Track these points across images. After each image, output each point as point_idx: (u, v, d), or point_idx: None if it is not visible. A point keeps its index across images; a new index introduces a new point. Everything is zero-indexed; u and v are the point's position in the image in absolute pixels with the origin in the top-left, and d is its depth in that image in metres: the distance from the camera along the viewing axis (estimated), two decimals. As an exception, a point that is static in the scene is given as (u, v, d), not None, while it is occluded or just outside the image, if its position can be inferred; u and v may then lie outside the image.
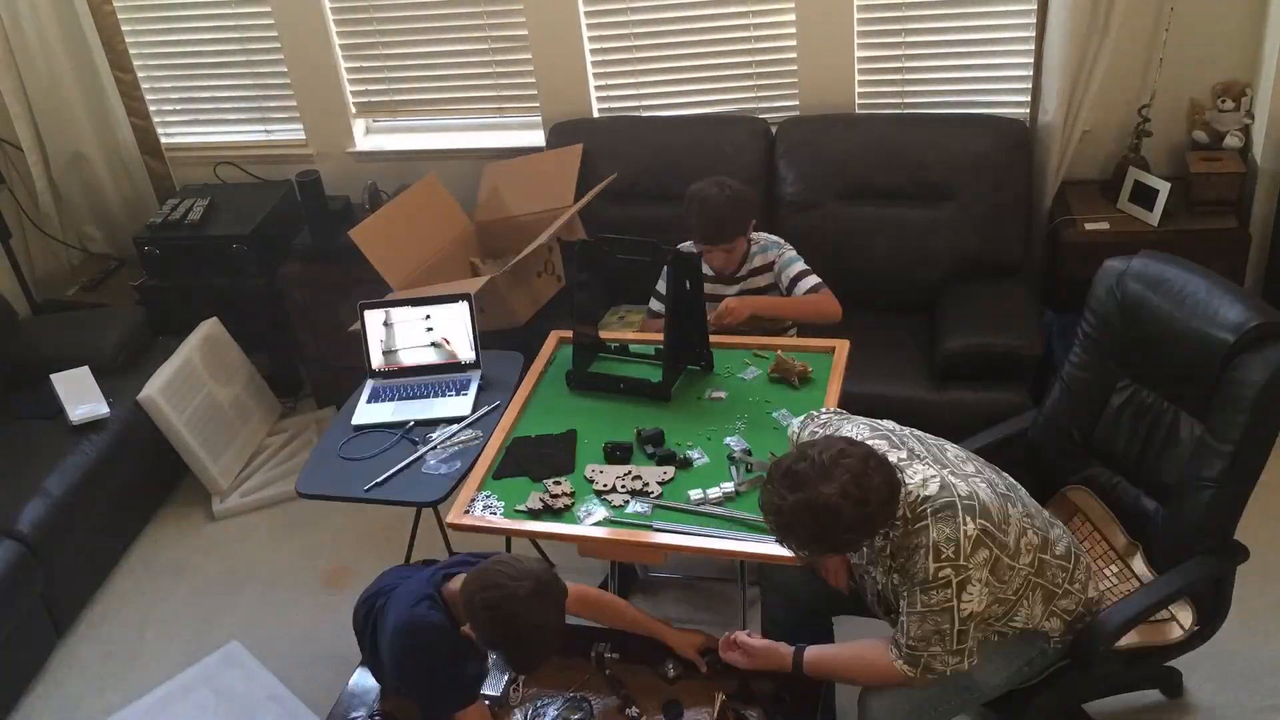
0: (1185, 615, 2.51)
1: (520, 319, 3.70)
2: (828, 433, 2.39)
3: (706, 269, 3.30)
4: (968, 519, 2.20)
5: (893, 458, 2.28)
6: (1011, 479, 2.44)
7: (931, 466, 2.29)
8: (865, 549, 2.39)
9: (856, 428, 2.42)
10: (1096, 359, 2.69)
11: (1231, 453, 2.39)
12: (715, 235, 3.22)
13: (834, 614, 2.76)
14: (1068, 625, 2.42)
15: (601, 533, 2.64)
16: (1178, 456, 2.51)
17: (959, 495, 2.22)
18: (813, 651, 2.43)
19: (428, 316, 3.34)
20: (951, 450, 2.40)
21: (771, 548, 2.51)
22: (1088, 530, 2.66)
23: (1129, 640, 2.48)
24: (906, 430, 2.42)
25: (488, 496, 2.77)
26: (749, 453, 2.75)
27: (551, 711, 2.49)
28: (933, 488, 2.23)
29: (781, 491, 2.16)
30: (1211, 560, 2.48)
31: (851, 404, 2.94)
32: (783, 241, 3.38)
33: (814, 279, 3.29)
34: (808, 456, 2.17)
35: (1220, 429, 2.41)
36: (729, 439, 2.84)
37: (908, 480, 2.24)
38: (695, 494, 2.67)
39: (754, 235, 3.36)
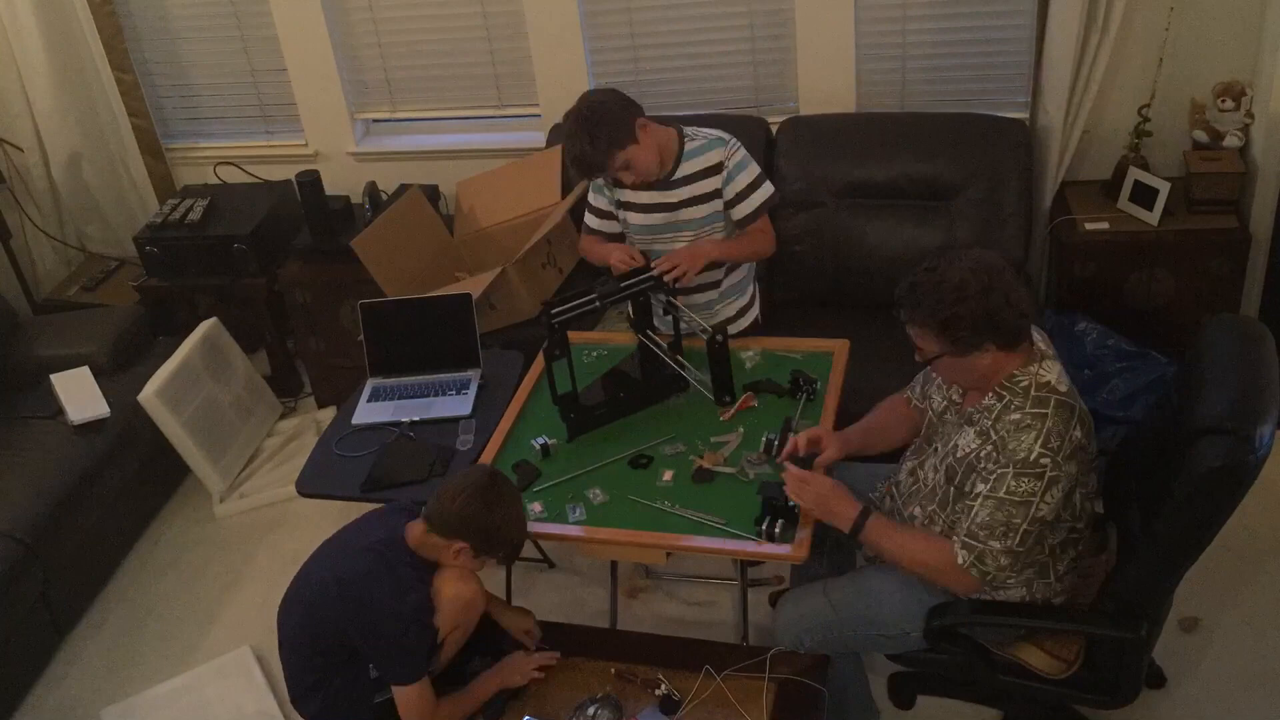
0: (1075, 663, 2.48)
1: (532, 311, 3.71)
2: None
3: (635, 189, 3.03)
4: (1079, 428, 2.23)
5: (1047, 367, 2.29)
6: None
7: (1065, 373, 2.29)
8: (957, 404, 2.40)
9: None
10: (1171, 407, 2.48)
11: (1161, 531, 2.25)
12: (586, 168, 2.90)
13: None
14: None
15: (602, 533, 2.64)
16: (1151, 519, 2.36)
17: (1079, 406, 2.25)
18: (877, 524, 2.41)
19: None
20: None
21: (770, 548, 2.52)
22: (1102, 570, 2.57)
23: (1011, 650, 2.49)
24: None
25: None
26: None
27: (590, 712, 2.49)
28: (1063, 386, 2.25)
29: (915, 271, 2.25)
30: (1103, 620, 2.38)
31: (851, 403, 2.95)
32: (728, 137, 3.03)
33: (760, 195, 3.02)
34: (946, 257, 2.26)
35: (1169, 505, 2.23)
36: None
37: (1044, 369, 2.26)
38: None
39: (689, 131, 3.03)
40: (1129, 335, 3.57)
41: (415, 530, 2.48)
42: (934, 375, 2.56)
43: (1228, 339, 2.38)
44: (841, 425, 2.81)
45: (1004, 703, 2.89)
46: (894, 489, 2.59)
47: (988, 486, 2.26)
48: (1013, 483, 2.22)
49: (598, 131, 2.85)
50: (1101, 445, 2.87)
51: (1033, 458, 2.20)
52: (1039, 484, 2.21)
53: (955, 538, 2.32)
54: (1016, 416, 2.24)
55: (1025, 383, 2.26)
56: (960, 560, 2.29)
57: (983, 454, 2.29)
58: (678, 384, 3.01)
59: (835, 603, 2.53)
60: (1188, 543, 2.25)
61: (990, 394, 2.30)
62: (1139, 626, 2.33)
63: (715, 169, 3.01)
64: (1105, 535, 2.64)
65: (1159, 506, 2.26)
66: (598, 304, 2.88)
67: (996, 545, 2.26)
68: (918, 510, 2.48)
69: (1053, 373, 2.27)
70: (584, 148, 2.85)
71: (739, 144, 3.04)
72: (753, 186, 3.03)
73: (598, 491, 2.74)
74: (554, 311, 2.80)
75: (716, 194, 3.02)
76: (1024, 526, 2.24)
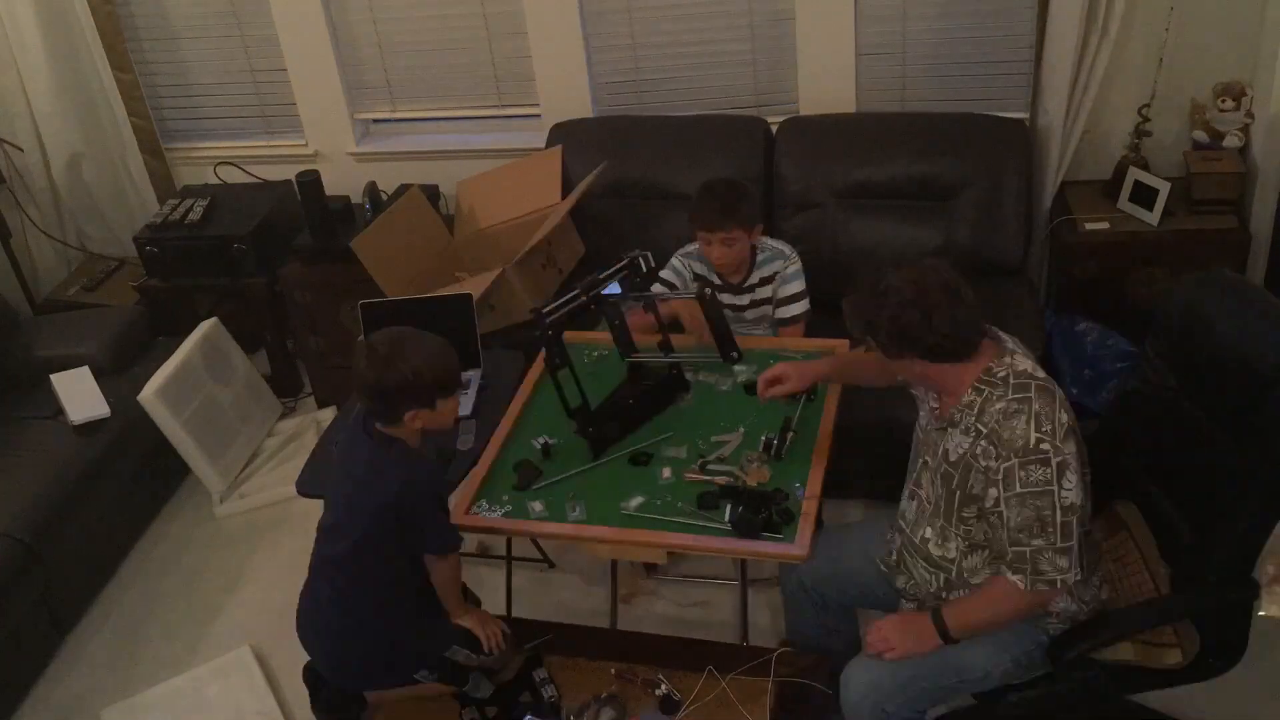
0: (1191, 643, 2.40)
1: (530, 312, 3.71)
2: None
3: (714, 275, 3.27)
4: (1064, 411, 2.19)
5: (1020, 359, 2.27)
6: None
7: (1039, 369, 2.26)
8: (935, 409, 2.36)
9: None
10: (1156, 374, 2.51)
11: (1252, 486, 2.23)
12: (715, 221, 3.12)
13: (859, 606, 2.73)
14: (1066, 620, 2.38)
15: (602, 532, 2.64)
16: (1213, 482, 2.34)
17: (1058, 391, 2.21)
18: (949, 610, 2.35)
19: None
20: None
21: (770, 547, 2.52)
22: (1130, 548, 2.53)
23: (1122, 654, 2.42)
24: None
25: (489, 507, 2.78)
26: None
27: (593, 712, 2.49)
28: (1039, 374, 2.23)
29: (859, 286, 2.25)
30: (1215, 591, 2.34)
31: (851, 404, 2.95)
32: (789, 252, 3.30)
33: (798, 307, 3.26)
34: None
35: (1249, 461, 2.23)
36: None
37: (1018, 359, 2.25)
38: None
39: (760, 242, 3.28)
40: (1129, 335, 3.57)
41: (382, 431, 2.47)
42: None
43: (1211, 294, 2.40)
44: (840, 427, 2.82)
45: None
46: (900, 522, 2.52)
47: (1002, 486, 2.20)
48: (1022, 473, 2.16)
49: (743, 203, 3.15)
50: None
51: (1032, 444, 2.16)
52: (1049, 470, 2.15)
53: (1004, 567, 2.25)
54: (1001, 405, 2.20)
55: (1002, 373, 2.23)
56: (1022, 586, 2.22)
57: (977, 451, 2.24)
58: (681, 384, 3.02)
59: (910, 660, 2.38)
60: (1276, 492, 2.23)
61: (969, 391, 2.26)
62: (1252, 584, 2.32)
63: (771, 279, 3.28)
64: (1116, 515, 2.59)
65: (1220, 463, 2.26)
66: (585, 299, 2.86)
67: (1040, 543, 2.18)
68: (929, 531, 2.41)
69: (1027, 363, 2.26)
70: (726, 200, 3.12)
71: (796, 256, 3.29)
72: (797, 297, 3.27)
73: (638, 499, 2.71)
74: (545, 312, 2.77)
75: (769, 300, 3.30)
76: (1059, 518, 2.17)
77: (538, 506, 2.72)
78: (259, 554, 3.83)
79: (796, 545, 2.50)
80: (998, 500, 2.22)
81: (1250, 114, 3.60)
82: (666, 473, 2.76)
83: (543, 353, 3.19)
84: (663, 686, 2.51)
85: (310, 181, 4.07)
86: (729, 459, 2.77)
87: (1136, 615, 2.43)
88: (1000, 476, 2.20)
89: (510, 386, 3.21)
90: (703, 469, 2.75)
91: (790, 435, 2.74)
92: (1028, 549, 2.20)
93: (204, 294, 4.31)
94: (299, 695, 3.24)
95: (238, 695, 3.25)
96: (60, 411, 3.77)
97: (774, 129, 3.93)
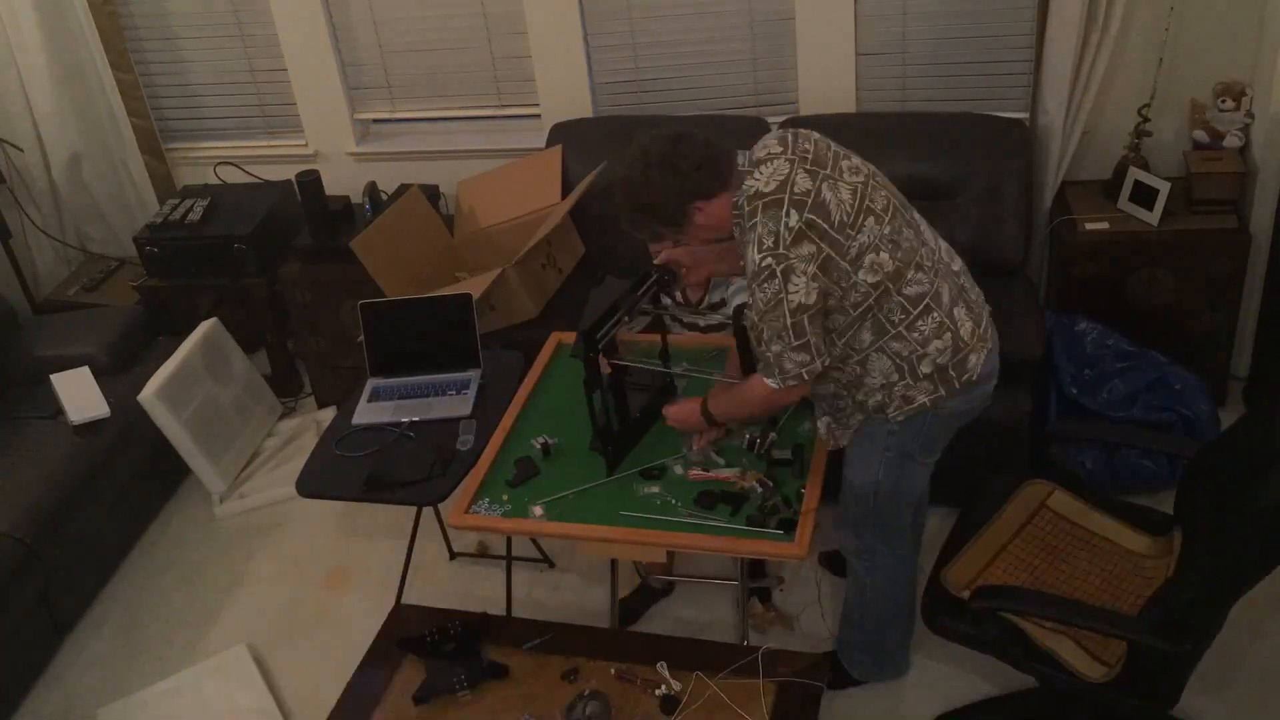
0: (1116, 667, 2.41)
1: (532, 311, 3.72)
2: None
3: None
4: (792, 212, 2.28)
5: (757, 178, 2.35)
6: (959, 259, 2.60)
7: (804, 174, 2.32)
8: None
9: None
10: (1259, 414, 2.46)
11: (1222, 551, 2.22)
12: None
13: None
14: (902, 399, 2.49)
15: (602, 532, 2.64)
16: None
17: (792, 191, 2.30)
18: (713, 399, 2.64)
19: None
20: (926, 229, 2.50)
21: (771, 545, 2.52)
22: (1164, 573, 2.49)
23: (1061, 647, 2.44)
24: (877, 181, 2.42)
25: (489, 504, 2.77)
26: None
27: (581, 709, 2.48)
28: (772, 185, 2.31)
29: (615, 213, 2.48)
30: (1145, 623, 2.35)
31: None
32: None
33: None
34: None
35: (1237, 527, 2.22)
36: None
37: (754, 179, 2.34)
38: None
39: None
40: (1129, 335, 3.57)
41: None
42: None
43: None
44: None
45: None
46: None
47: (752, 307, 2.37)
48: (758, 295, 2.32)
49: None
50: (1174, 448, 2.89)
51: (759, 266, 2.29)
52: (774, 283, 2.29)
53: (760, 367, 2.45)
54: (745, 237, 2.35)
55: (739, 202, 2.35)
56: (771, 384, 2.42)
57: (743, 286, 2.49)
58: (670, 389, 3.00)
59: (846, 501, 2.70)
60: (1254, 567, 2.18)
61: (733, 228, 2.41)
62: (1183, 642, 2.26)
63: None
64: (1170, 538, 2.58)
65: (1229, 524, 2.22)
66: (628, 319, 2.82)
67: (779, 347, 2.35)
68: None
69: (763, 178, 2.33)
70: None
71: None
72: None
73: (654, 488, 2.73)
74: (599, 336, 2.68)
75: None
76: (789, 321, 2.32)
77: (538, 510, 2.71)
78: (258, 554, 3.83)
79: (797, 543, 2.50)
80: (754, 321, 2.39)
81: (1250, 114, 3.60)
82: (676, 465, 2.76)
83: (539, 355, 3.19)
84: (663, 686, 2.51)
85: (310, 181, 4.07)
86: (723, 453, 2.77)
87: (1065, 607, 2.46)
88: (749, 299, 2.38)
89: (510, 386, 3.21)
90: (705, 467, 2.75)
91: (772, 435, 2.76)
92: (771, 354, 2.38)
93: (204, 294, 4.31)
94: (297, 693, 3.25)
95: (234, 693, 3.25)
96: (60, 411, 3.77)
97: (774, 129, 3.92)
